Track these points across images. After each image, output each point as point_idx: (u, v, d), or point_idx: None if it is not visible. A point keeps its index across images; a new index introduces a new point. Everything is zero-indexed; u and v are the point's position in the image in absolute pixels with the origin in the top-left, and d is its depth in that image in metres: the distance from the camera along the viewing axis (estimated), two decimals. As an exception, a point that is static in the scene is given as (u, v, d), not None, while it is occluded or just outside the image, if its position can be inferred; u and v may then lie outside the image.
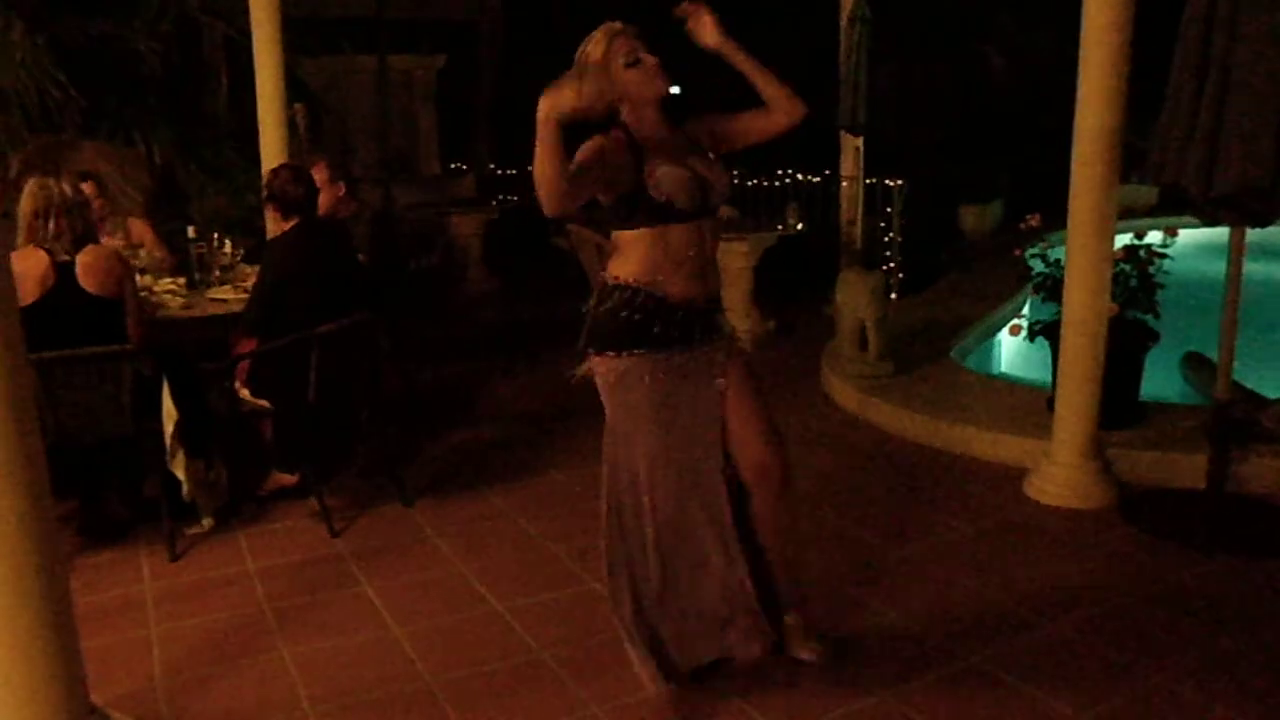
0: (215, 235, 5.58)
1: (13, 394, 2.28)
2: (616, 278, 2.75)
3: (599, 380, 2.81)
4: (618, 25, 2.72)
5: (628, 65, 2.68)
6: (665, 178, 2.66)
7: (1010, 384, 5.75)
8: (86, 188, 5.36)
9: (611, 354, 2.74)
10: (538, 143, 2.33)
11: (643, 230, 2.70)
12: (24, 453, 2.32)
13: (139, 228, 5.63)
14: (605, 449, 2.87)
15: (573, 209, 2.52)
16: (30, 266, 3.77)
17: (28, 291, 3.73)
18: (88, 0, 7.06)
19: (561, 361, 2.88)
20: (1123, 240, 4.57)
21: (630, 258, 2.73)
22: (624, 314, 2.71)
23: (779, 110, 2.82)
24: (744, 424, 2.86)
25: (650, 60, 2.70)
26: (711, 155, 2.83)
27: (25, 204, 3.89)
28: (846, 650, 3.20)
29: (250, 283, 4.70)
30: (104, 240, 5.33)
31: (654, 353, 2.72)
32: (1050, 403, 4.67)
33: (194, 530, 4.19)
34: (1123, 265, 4.64)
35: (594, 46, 2.70)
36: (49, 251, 3.86)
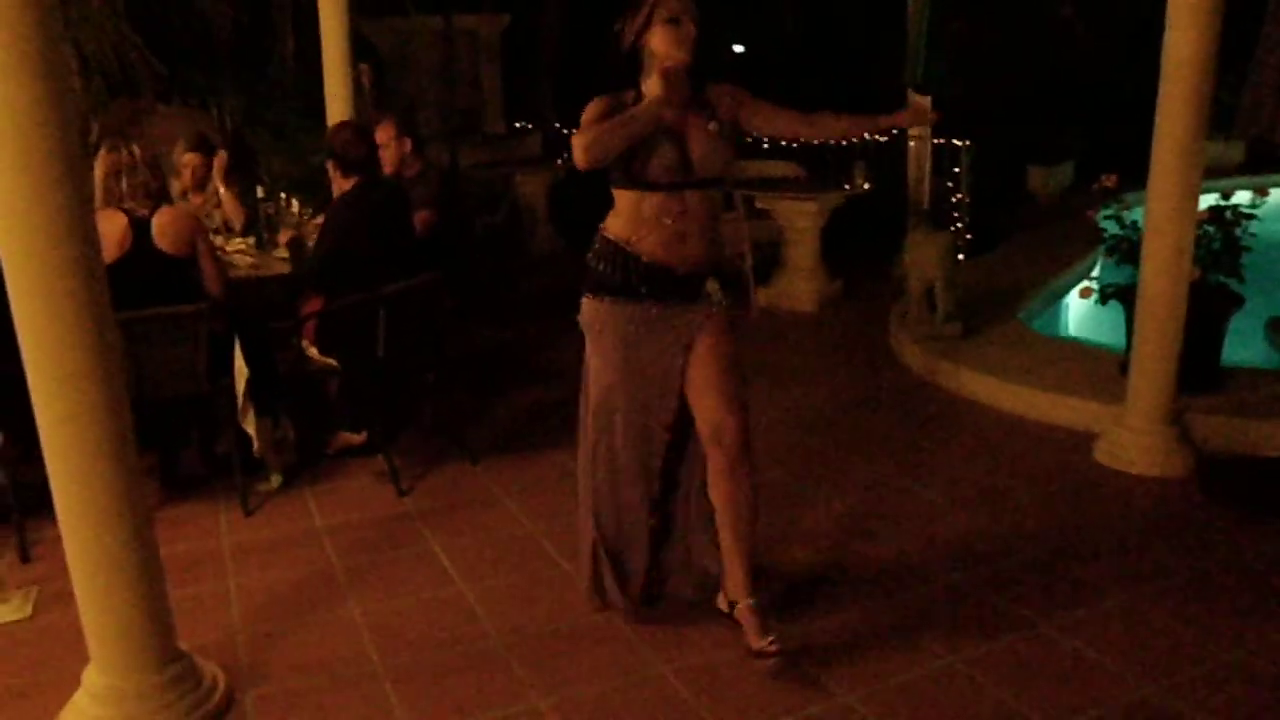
0: (283, 195, 5.64)
1: (101, 352, 2.34)
2: (604, 230, 2.95)
3: (582, 318, 3.02)
4: None
5: (667, 21, 2.77)
6: (642, 150, 2.78)
7: (1080, 347, 5.64)
8: (194, 157, 5.49)
9: (591, 297, 2.97)
10: (630, 130, 2.71)
11: (625, 190, 2.88)
12: (113, 409, 2.39)
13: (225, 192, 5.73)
14: (584, 379, 3.12)
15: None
16: (109, 228, 3.85)
17: (107, 252, 3.79)
18: None
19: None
20: (1207, 201, 4.42)
21: (617, 213, 2.93)
22: (601, 265, 2.93)
23: (817, 134, 3.04)
24: (705, 385, 2.95)
25: (689, 29, 2.78)
26: (714, 126, 2.89)
27: (99, 169, 3.99)
28: (911, 610, 3.20)
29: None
30: (198, 201, 5.48)
31: (624, 302, 2.90)
32: (1123, 367, 4.57)
33: (264, 487, 4.28)
34: (1206, 227, 4.49)
35: (640, 8, 2.81)
36: (127, 212, 3.95)
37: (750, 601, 2.99)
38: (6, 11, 2.12)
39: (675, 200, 2.84)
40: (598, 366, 3.04)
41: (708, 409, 2.96)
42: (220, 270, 4.26)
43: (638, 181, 2.83)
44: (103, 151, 4.05)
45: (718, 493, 3.00)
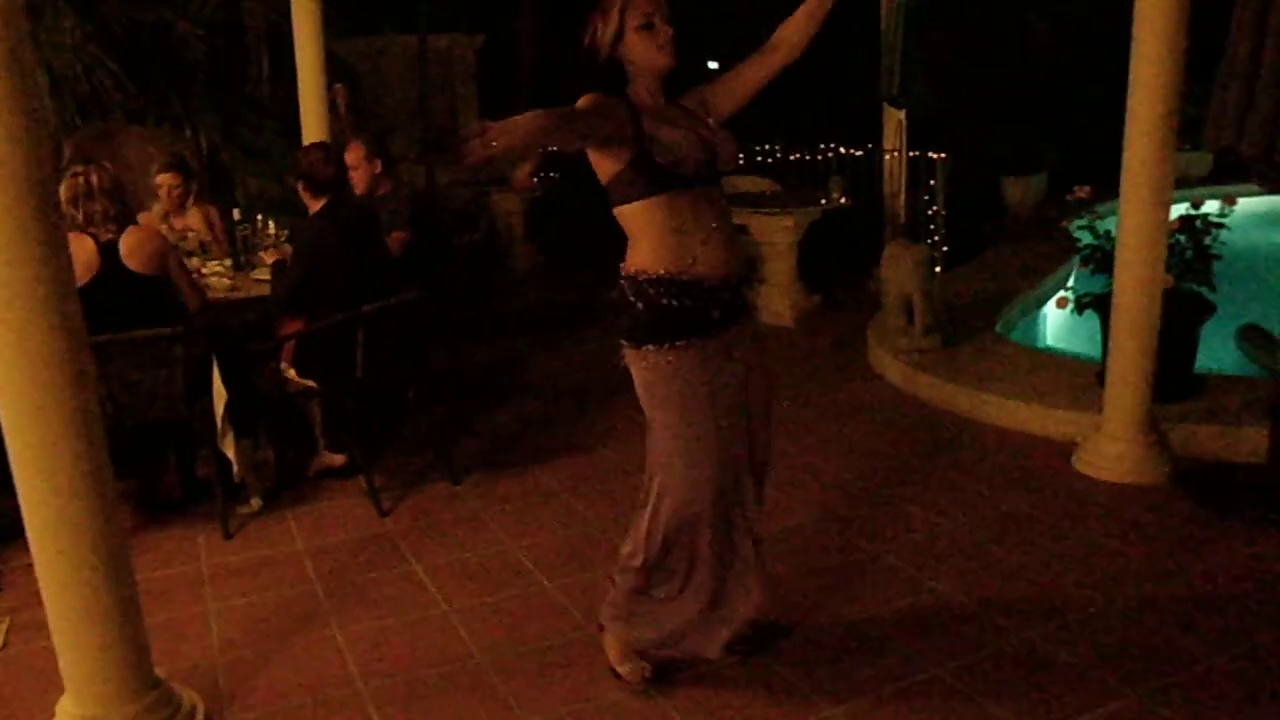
0: (259, 217, 5.62)
1: (74, 377, 2.32)
2: (627, 269, 2.61)
3: (633, 372, 2.67)
4: None
5: (640, 27, 2.55)
6: (669, 138, 2.53)
7: (1057, 357, 5.67)
8: (169, 177, 5.46)
9: (638, 347, 2.61)
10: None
11: (648, 202, 2.55)
12: (86, 434, 2.36)
13: (211, 214, 5.72)
14: (651, 440, 2.72)
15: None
16: (76, 252, 3.81)
17: (77, 276, 3.77)
18: None
19: (608, 346, 2.79)
20: (1178, 210, 4.47)
21: (641, 242, 2.59)
22: (639, 305, 2.59)
23: (785, 51, 2.71)
24: (758, 417, 2.78)
25: (665, 30, 2.56)
26: (711, 121, 2.69)
27: (61, 194, 3.95)
28: (896, 622, 3.20)
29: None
30: (180, 224, 5.46)
31: (686, 342, 2.57)
32: (1100, 376, 4.60)
33: (244, 510, 4.25)
34: (1178, 236, 4.54)
35: (609, 12, 2.57)
36: (93, 236, 3.92)
37: None
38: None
39: (701, 198, 2.58)
40: (678, 424, 2.63)
41: (758, 442, 2.81)
42: (194, 285, 4.29)
43: (668, 179, 2.53)
44: (65, 177, 4.02)
45: None
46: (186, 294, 4.19)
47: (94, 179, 3.97)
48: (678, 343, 2.57)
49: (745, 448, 2.76)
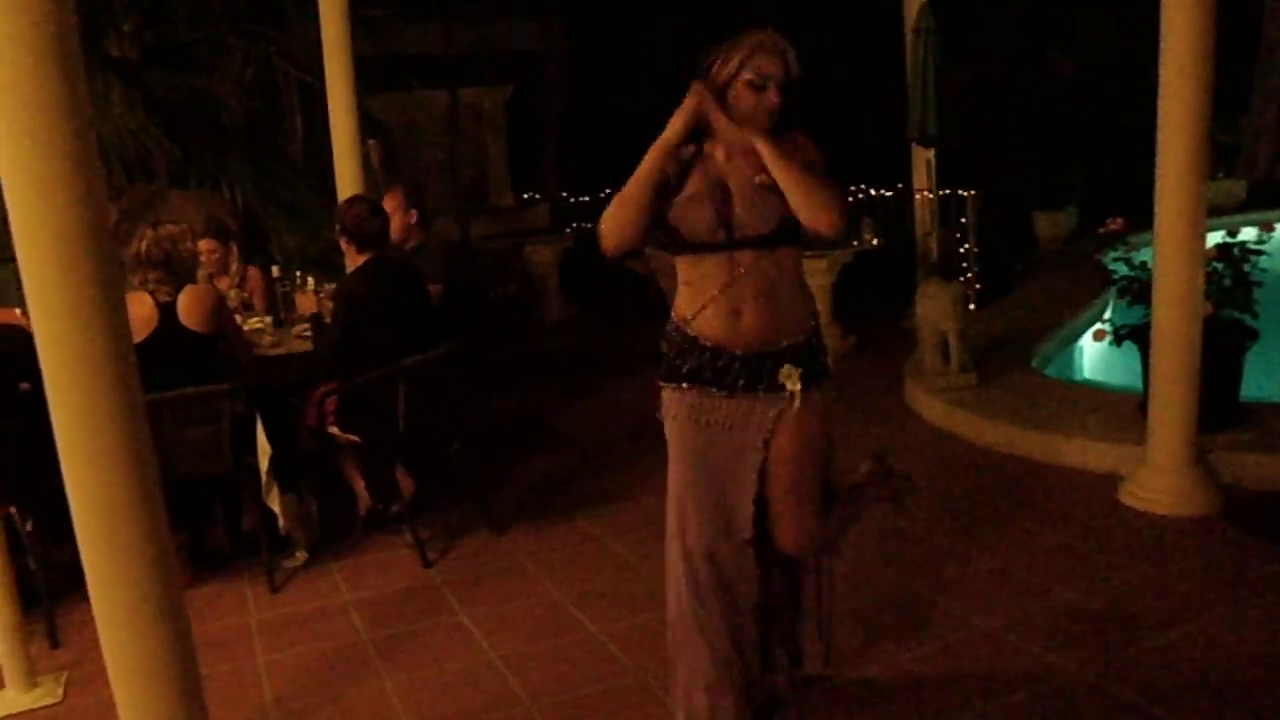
0: (298, 274, 5.71)
1: (134, 432, 2.37)
2: (672, 309, 2.66)
3: (662, 409, 2.70)
4: (766, 39, 2.49)
5: (752, 82, 2.46)
6: (680, 204, 2.49)
7: (1096, 390, 5.63)
8: (207, 243, 5.55)
9: (663, 384, 2.65)
10: (643, 170, 2.40)
11: (679, 257, 2.57)
12: (145, 490, 2.40)
13: (254, 277, 5.81)
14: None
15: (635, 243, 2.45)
16: (135, 309, 3.91)
17: (135, 332, 3.86)
18: (177, 56, 7.32)
19: (641, 394, 2.79)
20: (1214, 239, 4.45)
21: (679, 286, 2.61)
22: (666, 348, 2.64)
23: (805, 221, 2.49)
24: (780, 496, 2.63)
25: (773, 98, 2.47)
26: (761, 179, 2.47)
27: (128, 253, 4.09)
28: (946, 657, 3.16)
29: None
30: (223, 285, 5.56)
31: (691, 390, 2.57)
32: (1142, 407, 4.56)
33: (290, 563, 4.28)
34: (1215, 264, 4.53)
35: (732, 54, 2.49)
36: (152, 294, 4.03)
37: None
38: (50, 108, 2.20)
39: (725, 265, 2.49)
40: (671, 465, 2.65)
41: (786, 530, 2.66)
42: (246, 343, 4.48)
43: (678, 243, 2.51)
44: (127, 243, 4.15)
45: (804, 595, 2.85)
46: (240, 348, 4.34)
47: (142, 250, 4.07)
48: (672, 386, 2.61)
49: (741, 522, 2.61)
